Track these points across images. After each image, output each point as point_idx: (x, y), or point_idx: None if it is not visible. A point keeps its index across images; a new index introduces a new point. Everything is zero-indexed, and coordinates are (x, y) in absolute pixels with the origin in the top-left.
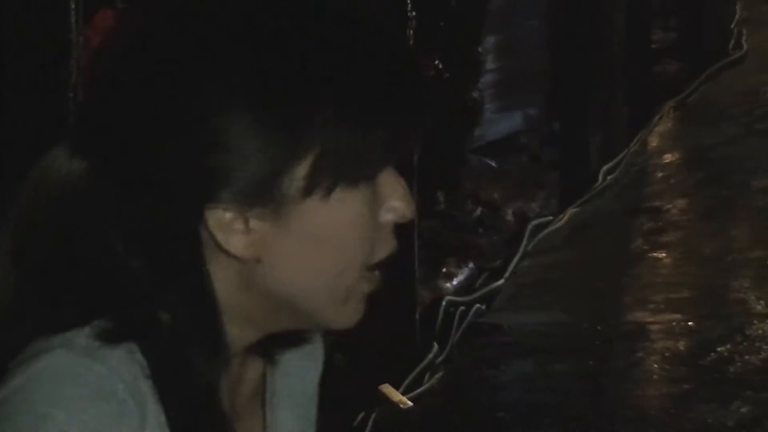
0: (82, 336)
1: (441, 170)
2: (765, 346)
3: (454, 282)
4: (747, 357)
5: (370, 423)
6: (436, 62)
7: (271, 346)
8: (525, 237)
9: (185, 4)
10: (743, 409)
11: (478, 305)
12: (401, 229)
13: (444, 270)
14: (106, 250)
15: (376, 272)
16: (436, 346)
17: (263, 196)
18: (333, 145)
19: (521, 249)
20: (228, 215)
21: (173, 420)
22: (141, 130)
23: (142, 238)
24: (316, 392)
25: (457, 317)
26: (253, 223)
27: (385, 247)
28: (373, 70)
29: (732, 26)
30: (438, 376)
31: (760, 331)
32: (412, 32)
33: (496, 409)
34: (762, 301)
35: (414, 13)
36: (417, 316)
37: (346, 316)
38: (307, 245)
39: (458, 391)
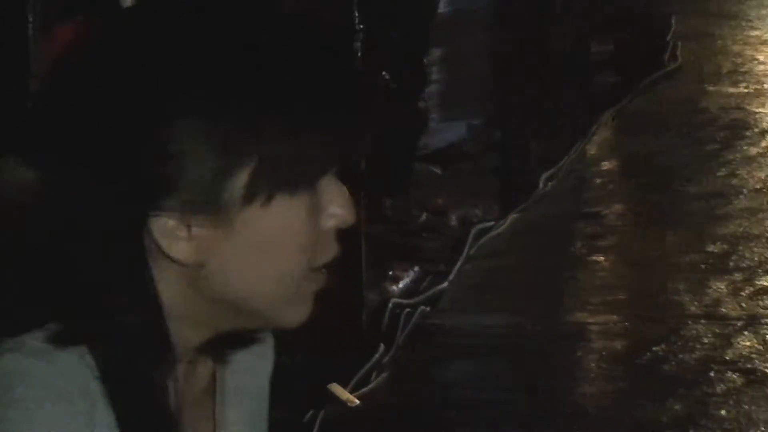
0: (34, 339)
1: (388, 177)
2: (698, 346)
3: (400, 285)
4: (681, 356)
5: (318, 421)
6: (384, 73)
7: (222, 346)
8: (468, 241)
9: (135, 17)
10: (677, 407)
11: (423, 307)
12: (349, 234)
13: (390, 273)
14: (57, 255)
15: (322, 272)
16: (382, 347)
17: (205, 204)
18: (271, 153)
19: (464, 253)
20: (171, 222)
21: (122, 421)
22: (86, 139)
23: (89, 244)
24: (267, 390)
25: (402, 318)
26: (196, 230)
27: (328, 251)
28: (310, 80)
29: (667, 39)
30: (384, 375)
31: (693, 332)
32: (359, 44)
33: (441, 406)
34: (696, 303)
35: (362, 26)
36: (364, 318)
37: (294, 315)
38: (248, 251)
39: (404, 389)
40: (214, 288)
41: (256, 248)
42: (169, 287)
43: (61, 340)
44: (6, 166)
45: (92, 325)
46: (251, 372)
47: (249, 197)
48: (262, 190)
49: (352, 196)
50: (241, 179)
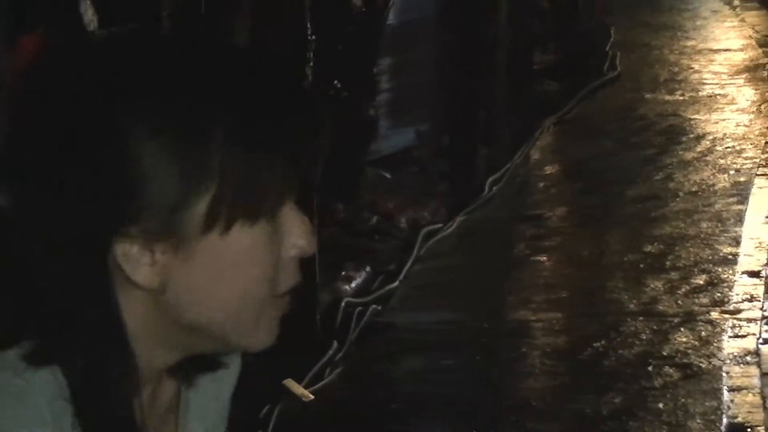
0: (9, 356)
1: (340, 182)
2: (636, 342)
3: (353, 284)
4: (620, 351)
5: (274, 415)
6: (335, 82)
7: (188, 369)
8: (417, 243)
9: (95, 45)
10: (617, 400)
11: (374, 306)
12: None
13: (343, 273)
14: (25, 276)
15: (284, 299)
16: (335, 344)
17: (166, 231)
18: (230, 183)
19: (414, 254)
20: (134, 248)
21: None
22: (51, 164)
23: (55, 267)
24: (227, 407)
25: (355, 317)
26: (159, 256)
27: (289, 279)
28: (268, 109)
29: (607, 49)
30: (338, 371)
31: (632, 328)
32: (312, 54)
33: (390, 401)
34: (634, 301)
35: (314, 37)
36: (318, 316)
37: (257, 339)
38: (209, 277)
39: (356, 384)
40: (177, 312)
41: (216, 275)
42: (134, 310)
43: (33, 359)
44: None
45: (61, 344)
46: (213, 391)
47: (208, 226)
48: (220, 219)
49: (310, 225)
50: (200, 208)
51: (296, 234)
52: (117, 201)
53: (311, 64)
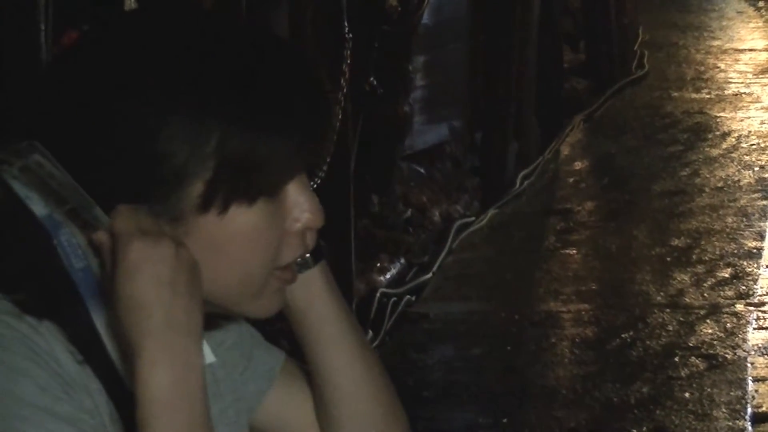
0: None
1: (375, 176)
2: (663, 333)
3: (387, 276)
4: (647, 342)
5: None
6: (371, 79)
7: None
8: (450, 235)
9: (101, 40)
10: (644, 389)
11: (408, 296)
12: (339, 229)
13: (378, 265)
14: (32, 235)
15: (288, 273)
16: (370, 333)
17: (165, 208)
18: (227, 164)
19: (447, 246)
20: None
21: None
22: (71, 127)
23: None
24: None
25: (389, 307)
26: (163, 227)
27: (293, 251)
28: (270, 90)
29: (635, 48)
30: None
31: (659, 320)
32: (348, 52)
33: (422, 388)
34: (661, 293)
35: (350, 35)
36: (354, 306)
37: (260, 308)
38: (207, 254)
39: (389, 372)
40: None
41: (215, 252)
42: None
43: (29, 308)
44: None
45: (62, 303)
46: (226, 367)
47: (204, 206)
48: (216, 199)
49: (318, 200)
50: (196, 188)
51: (300, 209)
52: (123, 173)
53: (348, 61)
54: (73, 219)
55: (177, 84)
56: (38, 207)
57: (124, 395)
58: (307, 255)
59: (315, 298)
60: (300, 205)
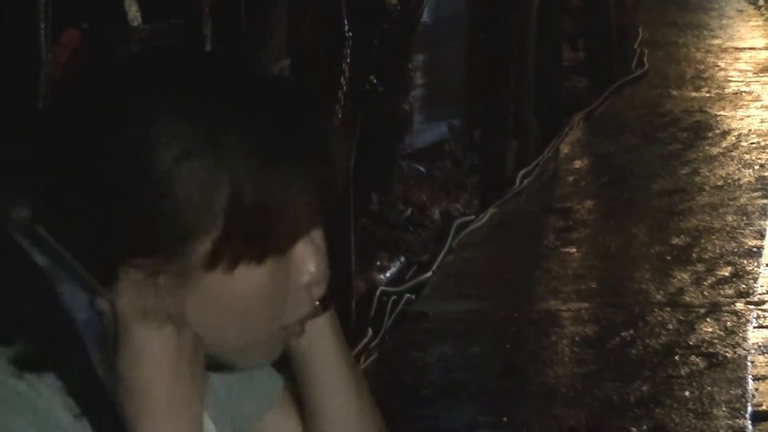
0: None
1: (374, 174)
2: (663, 332)
3: (387, 274)
4: (647, 341)
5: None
6: (371, 77)
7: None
8: (450, 234)
9: (112, 71)
10: (644, 388)
11: (407, 295)
12: (339, 227)
13: (378, 263)
14: (32, 282)
15: (297, 327)
16: (370, 332)
17: (170, 263)
18: (236, 224)
19: (446, 245)
20: (139, 277)
21: None
22: (69, 186)
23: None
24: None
25: (389, 306)
26: (162, 285)
27: (299, 309)
28: (284, 139)
29: (635, 46)
30: (372, 358)
31: (659, 318)
32: (348, 50)
33: (421, 387)
34: (661, 291)
35: (350, 34)
36: (353, 305)
37: (263, 358)
38: (213, 312)
39: (389, 371)
40: None
41: (219, 310)
42: None
43: (28, 362)
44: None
45: (62, 349)
46: (226, 392)
47: (211, 264)
48: (224, 259)
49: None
50: (203, 246)
51: (307, 265)
52: (124, 229)
53: (348, 60)
54: (75, 276)
55: (187, 135)
56: (40, 258)
57: None
58: (317, 302)
59: (320, 347)
60: (307, 260)
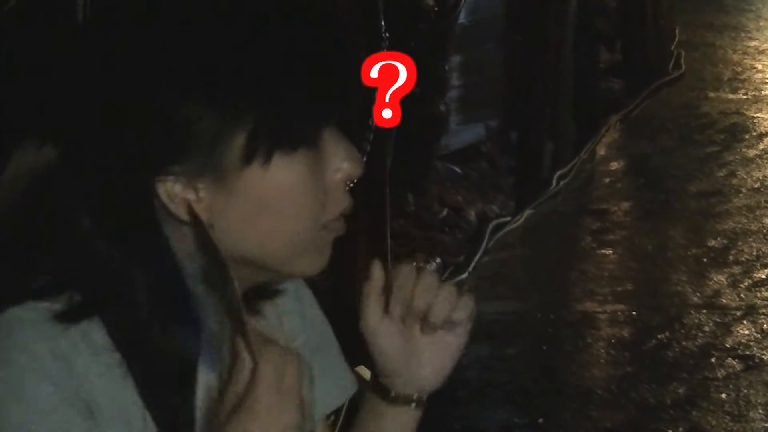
0: (41, 310)
1: (410, 175)
2: (700, 334)
3: None
4: (684, 343)
5: (346, 401)
6: None
7: (248, 300)
8: (486, 235)
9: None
10: (680, 390)
11: None
12: (375, 228)
13: (414, 264)
14: (72, 227)
15: (338, 221)
16: None
17: (207, 166)
18: (266, 113)
19: (482, 246)
20: (177, 186)
21: (145, 386)
22: (96, 110)
23: (101, 213)
24: (320, 318)
25: None
26: (202, 193)
27: (338, 205)
28: (300, 39)
29: (672, 48)
30: None
31: (695, 320)
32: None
33: (456, 388)
34: (697, 294)
35: (387, 35)
36: None
37: (308, 265)
38: (252, 210)
39: None
40: (226, 246)
41: (260, 209)
42: (187, 249)
43: (72, 313)
44: (27, 149)
45: (110, 294)
46: (277, 320)
47: (247, 158)
48: (259, 150)
49: (358, 153)
50: (238, 141)
51: (339, 157)
52: (157, 141)
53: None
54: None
55: (211, 44)
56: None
57: (157, 401)
58: (417, 395)
59: None
60: (338, 153)
